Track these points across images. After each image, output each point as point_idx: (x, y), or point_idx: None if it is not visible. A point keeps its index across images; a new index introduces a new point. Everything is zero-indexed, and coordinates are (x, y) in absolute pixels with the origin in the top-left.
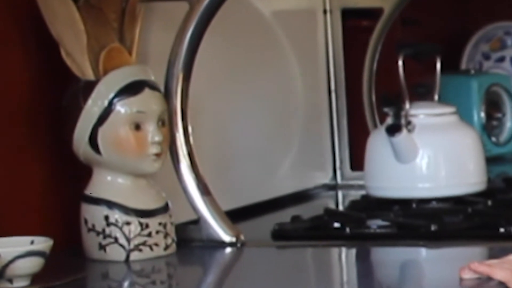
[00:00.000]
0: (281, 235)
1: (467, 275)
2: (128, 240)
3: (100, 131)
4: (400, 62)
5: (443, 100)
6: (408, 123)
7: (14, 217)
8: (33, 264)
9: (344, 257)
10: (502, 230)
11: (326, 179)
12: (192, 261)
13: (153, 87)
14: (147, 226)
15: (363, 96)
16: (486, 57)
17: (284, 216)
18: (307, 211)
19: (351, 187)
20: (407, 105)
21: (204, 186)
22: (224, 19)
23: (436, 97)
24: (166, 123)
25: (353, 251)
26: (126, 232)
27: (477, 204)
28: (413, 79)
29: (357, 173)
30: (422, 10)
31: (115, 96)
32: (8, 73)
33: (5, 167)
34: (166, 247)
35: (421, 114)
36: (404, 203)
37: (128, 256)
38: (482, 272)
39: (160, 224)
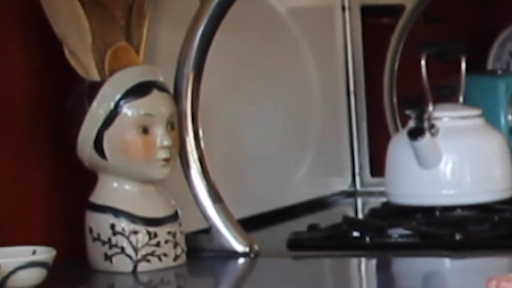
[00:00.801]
0: (297, 244)
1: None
2: (136, 250)
3: (105, 135)
4: (422, 62)
5: (468, 102)
6: (431, 126)
7: (15, 226)
8: (35, 276)
9: (363, 268)
10: None
11: (344, 185)
12: (203, 272)
13: (161, 88)
14: (155, 235)
15: (384, 98)
16: None
17: (300, 224)
18: (324, 219)
19: (371, 194)
20: (430, 108)
21: (215, 193)
22: (237, 16)
23: (460, 99)
24: (176, 126)
25: (373, 262)
26: (133, 241)
27: (504, 212)
28: (437, 80)
29: (377, 179)
30: (446, 7)
31: (122, 97)
32: (9, 74)
33: (5, 173)
34: (176, 257)
35: (445, 117)
36: (427, 211)
37: (135, 267)
38: None
39: (169, 233)
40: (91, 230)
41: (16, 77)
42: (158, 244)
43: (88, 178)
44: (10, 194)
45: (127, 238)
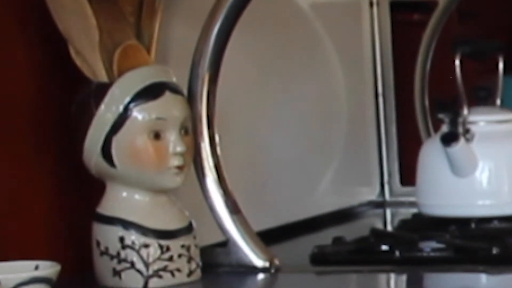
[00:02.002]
0: (321, 259)
1: None
2: (147, 265)
3: (114, 140)
4: (457, 62)
5: (506, 105)
6: (466, 131)
7: (16, 239)
8: None
9: (393, 285)
10: None
11: (372, 195)
12: None
13: (175, 90)
14: (168, 249)
15: (415, 101)
16: None
17: (325, 237)
18: (350, 231)
19: (401, 204)
20: (465, 111)
21: (233, 203)
22: (256, 12)
23: (498, 101)
24: (190, 131)
25: (404, 278)
26: (144, 255)
27: None
28: (472, 81)
29: (407, 189)
30: (482, 2)
31: (132, 100)
32: (9, 75)
33: (6, 181)
34: (190, 273)
35: (481, 121)
36: (461, 223)
37: (146, 283)
38: None
39: (183, 246)
40: (98, 244)
41: (16, 79)
42: (171, 259)
43: (95, 187)
44: (10, 204)
45: (138, 252)
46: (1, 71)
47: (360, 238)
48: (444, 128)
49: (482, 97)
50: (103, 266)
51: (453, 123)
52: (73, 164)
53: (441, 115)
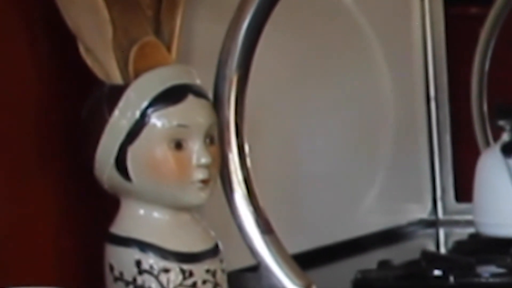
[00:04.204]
0: (365, 285)
1: None
2: None
3: (129, 150)
4: None
5: None
6: None
7: (20, 263)
8: None
9: None
10: None
11: (423, 213)
12: None
13: (198, 93)
14: (191, 274)
15: (472, 105)
16: None
17: (369, 261)
18: (398, 254)
19: (456, 223)
20: None
21: (265, 222)
22: (292, 4)
23: None
24: (216, 140)
25: None
26: (164, 281)
27: None
28: None
29: (463, 205)
30: None
31: (149, 105)
32: (10, 77)
33: (8, 197)
34: None
35: None
36: None
37: None
38: None
39: (207, 271)
40: (112, 268)
41: (19, 81)
42: (194, 285)
43: (108, 204)
44: (14, 223)
45: (156, 277)
46: (3, 72)
47: (409, 261)
48: (505, 137)
49: None
50: None
51: None
52: (83, 178)
53: (501, 122)
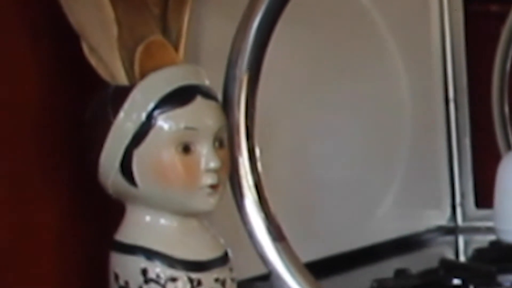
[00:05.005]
0: None
1: None
2: None
3: (135, 154)
4: None
5: None
6: None
7: (21, 272)
8: None
9: None
10: None
11: (442, 219)
12: None
13: (207, 94)
14: (199, 283)
15: (492, 107)
16: None
17: (386, 269)
18: (416, 262)
19: (476, 230)
20: None
21: (276, 229)
22: (305, 3)
23: None
24: (225, 143)
25: None
26: None
27: None
28: None
29: (484, 212)
30: None
31: (156, 107)
32: (10, 78)
33: (8, 204)
34: None
35: None
36: None
37: None
38: None
39: (216, 280)
40: (117, 277)
41: (20, 82)
42: None
43: (113, 210)
44: (14, 231)
45: (163, 286)
46: (4, 73)
47: (427, 270)
48: None
49: None
50: None
51: None
52: (87, 183)
53: None
